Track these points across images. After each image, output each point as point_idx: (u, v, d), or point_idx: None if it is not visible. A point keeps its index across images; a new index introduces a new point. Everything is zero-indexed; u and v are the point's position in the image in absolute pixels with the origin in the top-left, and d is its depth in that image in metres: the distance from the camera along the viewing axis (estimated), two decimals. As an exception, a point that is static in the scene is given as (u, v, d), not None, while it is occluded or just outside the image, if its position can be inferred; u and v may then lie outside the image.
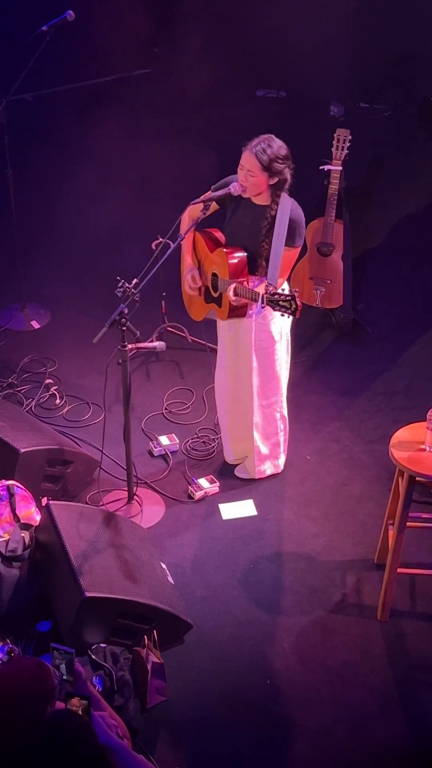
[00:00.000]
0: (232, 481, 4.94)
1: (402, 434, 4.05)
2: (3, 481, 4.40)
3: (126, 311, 4.22)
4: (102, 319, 4.25)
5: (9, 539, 4.16)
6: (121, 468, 4.87)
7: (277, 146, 4.25)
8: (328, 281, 5.83)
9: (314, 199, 5.57)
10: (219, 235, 4.57)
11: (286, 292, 4.21)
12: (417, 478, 3.93)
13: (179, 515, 4.76)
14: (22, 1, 7.83)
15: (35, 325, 6.11)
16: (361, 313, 6.11)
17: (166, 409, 5.42)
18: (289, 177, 4.31)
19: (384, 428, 5.15)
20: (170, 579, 4.25)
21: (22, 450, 4.48)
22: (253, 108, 8.22)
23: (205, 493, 4.85)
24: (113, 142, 7.43)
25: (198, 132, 7.80)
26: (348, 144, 5.47)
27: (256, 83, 8.47)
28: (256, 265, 4.42)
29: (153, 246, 5.33)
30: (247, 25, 8.11)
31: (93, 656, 3.83)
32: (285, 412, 4.82)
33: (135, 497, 4.76)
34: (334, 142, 5.49)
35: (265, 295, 4.13)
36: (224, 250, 4.43)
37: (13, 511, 4.33)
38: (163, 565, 4.31)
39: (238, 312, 4.45)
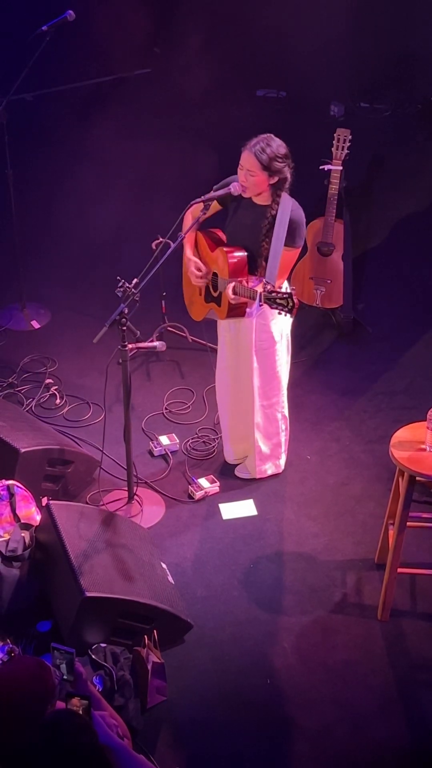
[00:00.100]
0: (233, 481, 4.94)
1: (402, 434, 4.05)
2: (3, 480, 4.40)
3: (126, 311, 4.22)
4: (102, 318, 4.25)
5: (9, 539, 4.17)
6: (121, 468, 4.87)
7: (277, 145, 4.25)
8: (329, 281, 5.83)
9: (314, 199, 5.57)
10: (221, 235, 4.57)
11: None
12: (417, 478, 3.93)
13: (179, 515, 4.76)
14: (22, 1, 7.83)
15: (35, 324, 6.11)
16: (362, 313, 6.11)
17: (166, 408, 5.42)
18: (289, 176, 4.31)
19: (384, 428, 5.15)
20: (170, 579, 4.25)
21: (23, 450, 4.48)
22: (253, 108, 8.23)
23: (206, 492, 4.85)
24: (113, 142, 7.44)
25: (198, 132, 7.81)
26: (348, 144, 5.47)
27: (256, 83, 8.48)
28: (256, 264, 4.42)
29: (153, 246, 5.33)
30: (247, 25, 8.11)
31: (93, 656, 3.83)
32: (286, 412, 4.82)
33: (135, 497, 4.76)
34: (334, 141, 5.49)
35: (262, 294, 4.13)
36: (224, 249, 4.43)
37: (14, 510, 4.33)
38: (164, 565, 4.31)
39: (236, 311, 4.45)
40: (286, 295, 4.08)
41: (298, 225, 4.36)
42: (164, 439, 5.14)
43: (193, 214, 4.50)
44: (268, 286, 4.16)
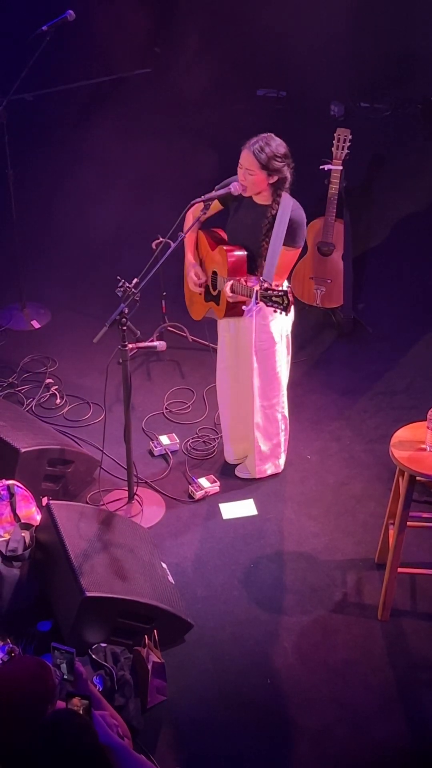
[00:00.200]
0: (233, 480, 4.94)
1: (402, 434, 4.05)
2: (3, 480, 4.40)
3: (126, 311, 4.22)
4: (102, 318, 4.25)
5: (9, 539, 4.16)
6: (121, 468, 4.87)
7: (276, 144, 4.25)
8: (329, 281, 5.83)
9: (314, 199, 5.57)
10: (223, 234, 4.58)
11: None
12: (417, 478, 3.93)
13: (180, 515, 4.76)
14: (22, 1, 7.82)
15: (35, 324, 6.11)
16: (362, 313, 6.11)
17: (166, 408, 5.42)
18: (288, 175, 4.30)
19: (384, 428, 5.15)
20: (171, 579, 4.25)
21: (23, 450, 4.47)
22: (253, 107, 8.22)
23: (206, 492, 4.85)
24: (113, 142, 7.43)
25: (198, 132, 7.80)
26: (348, 144, 5.47)
27: (256, 83, 8.47)
28: (256, 264, 4.42)
29: (153, 246, 5.33)
30: (247, 25, 8.11)
31: (93, 656, 3.83)
32: (286, 412, 4.82)
33: (135, 497, 4.76)
34: (334, 141, 5.49)
35: (258, 291, 4.13)
36: (224, 248, 4.43)
37: (14, 510, 4.33)
38: (164, 565, 4.31)
39: (234, 310, 4.44)
40: (281, 293, 4.07)
41: (298, 225, 4.36)
42: (164, 439, 5.14)
43: (194, 213, 4.50)
44: (265, 284, 4.16)
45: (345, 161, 5.52)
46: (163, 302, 5.78)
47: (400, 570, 4.09)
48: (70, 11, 5.40)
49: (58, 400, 5.48)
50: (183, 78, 7.93)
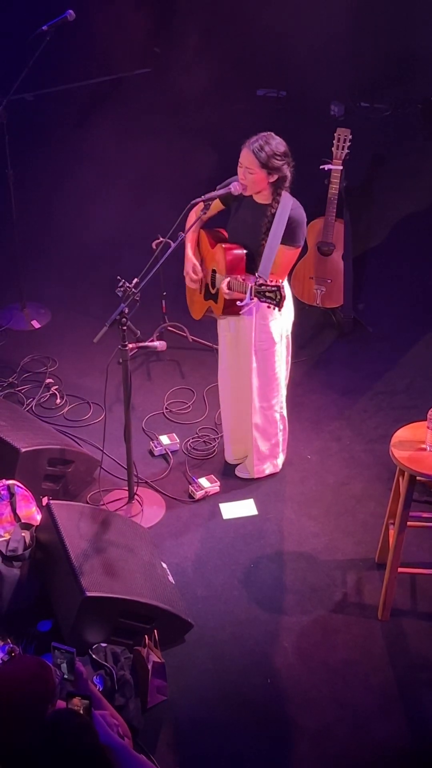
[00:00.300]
0: (233, 480, 4.94)
1: (402, 434, 4.05)
2: (3, 480, 4.40)
3: (126, 311, 4.22)
4: (102, 318, 4.25)
5: (10, 539, 4.16)
6: (121, 467, 4.87)
7: (276, 143, 4.25)
8: (329, 281, 5.83)
9: (315, 199, 5.57)
10: (224, 234, 4.58)
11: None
12: (417, 478, 3.93)
13: (180, 515, 4.76)
14: (22, 1, 7.83)
15: (35, 324, 6.11)
16: (362, 313, 6.11)
17: (166, 408, 5.42)
18: (288, 174, 4.30)
19: (385, 427, 5.15)
20: (171, 578, 4.25)
21: (23, 449, 4.47)
22: (253, 107, 8.23)
23: (206, 492, 4.85)
24: (113, 142, 7.44)
25: (198, 131, 7.80)
26: (348, 143, 5.47)
27: (256, 83, 8.48)
28: (255, 263, 4.41)
29: (153, 245, 5.33)
30: (247, 25, 8.12)
31: (94, 656, 3.83)
32: (285, 412, 4.82)
33: (135, 497, 4.76)
34: (334, 141, 5.49)
35: (253, 287, 4.13)
36: (223, 245, 4.43)
37: (14, 510, 4.33)
38: (164, 565, 4.31)
39: (232, 308, 4.43)
40: (275, 288, 4.07)
41: (298, 224, 4.36)
42: (164, 439, 5.14)
43: (196, 213, 4.51)
44: (260, 280, 4.15)
45: (345, 161, 5.52)
46: (163, 302, 5.78)
47: (400, 570, 4.09)
48: (70, 11, 5.40)
49: (58, 400, 5.48)
50: (183, 78, 7.92)
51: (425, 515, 4.42)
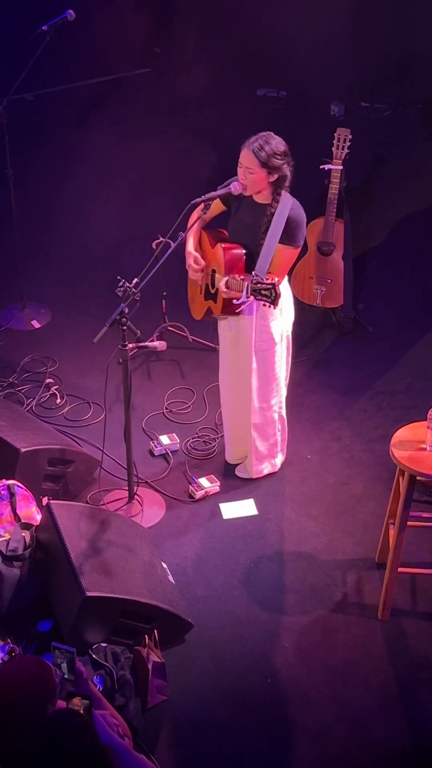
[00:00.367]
0: (233, 480, 4.94)
1: (403, 433, 4.05)
2: (4, 480, 4.40)
3: (126, 311, 4.22)
4: (102, 318, 4.25)
5: (10, 539, 4.16)
6: (121, 467, 4.87)
7: (275, 143, 4.25)
8: (329, 280, 5.83)
9: (315, 199, 5.57)
10: (226, 235, 4.58)
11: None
12: (417, 478, 3.93)
13: (180, 515, 4.76)
14: (22, 1, 7.83)
15: (36, 324, 6.11)
16: (362, 313, 6.11)
17: (166, 408, 5.42)
18: (288, 173, 4.30)
19: (385, 427, 5.15)
20: (171, 578, 4.25)
21: (23, 449, 4.48)
22: (253, 107, 8.23)
23: (206, 492, 4.85)
24: (113, 142, 7.44)
25: (198, 131, 7.80)
26: (348, 143, 5.47)
27: (256, 83, 8.48)
28: (255, 263, 4.41)
29: (153, 245, 5.33)
30: (247, 25, 8.11)
31: (94, 656, 3.83)
32: (284, 413, 4.82)
33: (135, 497, 4.76)
34: (334, 141, 5.49)
35: (249, 285, 4.13)
36: (222, 245, 4.43)
37: (14, 510, 4.33)
38: (164, 565, 4.31)
39: (231, 308, 4.43)
40: (269, 286, 4.08)
41: (297, 224, 4.35)
42: (165, 439, 5.14)
43: (197, 214, 4.51)
44: (256, 278, 4.16)
45: (345, 161, 5.52)
46: (164, 302, 5.78)
47: (400, 570, 4.09)
48: (70, 11, 5.41)
49: (59, 400, 5.48)
50: (183, 78, 7.93)
51: (425, 515, 4.42)
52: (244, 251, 4.41)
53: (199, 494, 4.83)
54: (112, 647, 3.87)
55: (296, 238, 4.38)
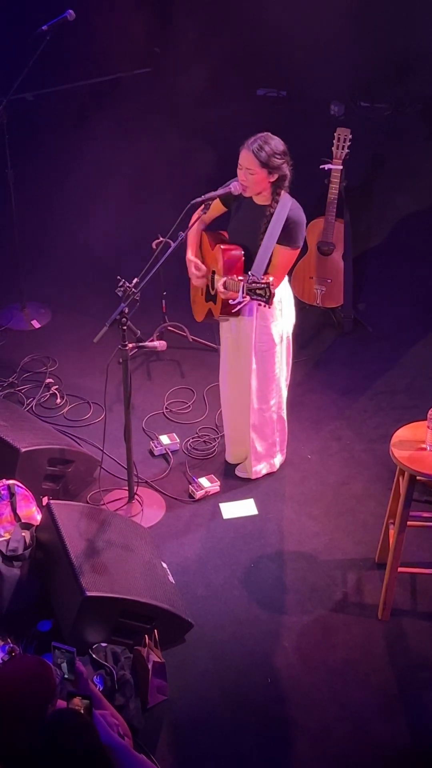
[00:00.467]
0: (233, 480, 4.94)
1: (403, 433, 4.05)
2: (4, 480, 4.40)
3: (126, 310, 4.22)
4: (102, 318, 4.25)
5: (10, 539, 4.16)
6: (121, 467, 4.87)
7: (275, 142, 4.25)
8: (329, 280, 5.83)
9: (315, 199, 5.57)
10: (226, 236, 4.58)
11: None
12: (418, 477, 3.93)
13: (180, 515, 4.76)
14: (22, 1, 7.83)
15: (36, 324, 6.11)
16: (362, 313, 6.11)
17: (166, 408, 5.42)
18: (288, 173, 4.30)
19: (385, 427, 5.15)
20: (171, 578, 4.25)
21: (23, 449, 4.48)
22: (253, 107, 8.22)
23: (206, 492, 4.85)
24: (113, 142, 7.44)
25: (198, 131, 7.80)
26: (348, 143, 5.47)
27: (256, 82, 8.48)
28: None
29: (153, 245, 5.33)
30: (247, 25, 8.12)
31: (94, 655, 3.83)
32: (283, 413, 4.82)
33: (136, 497, 4.76)
34: (334, 141, 5.49)
35: (245, 284, 4.13)
36: (221, 246, 4.43)
37: (14, 510, 4.33)
38: (164, 565, 4.31)
39: (229, 308, 4.43)
40: (264, 285, 4.07)
41: (295, 224, 4.34)
42: (165, 439, 5.14)
43: (198, 214, 4.51)
44: (252, 278, 4.15)
45: (345, 161, 5.52)
46: (164, 302, 5.78)
47: (400, 569, 4.09)
48: (70, 11, 5.41)
49: (59, 400, 5.48)
50: (183, 78, 7.93)
51: (425, 515, 4.41)
52: (242, 252, 4.41)
53: (199, 494, 4.83)
54: (112, 647, 3.87)
55: (295, 238, 4.37)
